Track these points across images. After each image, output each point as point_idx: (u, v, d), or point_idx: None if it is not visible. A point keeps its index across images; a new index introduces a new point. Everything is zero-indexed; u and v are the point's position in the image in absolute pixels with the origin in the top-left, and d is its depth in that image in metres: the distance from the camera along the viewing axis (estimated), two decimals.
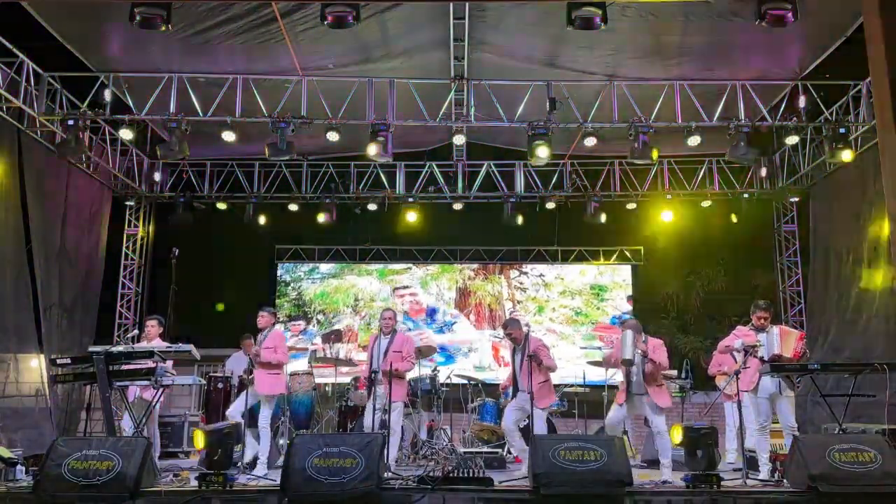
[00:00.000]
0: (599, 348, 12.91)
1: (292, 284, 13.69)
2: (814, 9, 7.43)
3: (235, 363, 8.90)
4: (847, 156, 9.42)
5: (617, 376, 7.44)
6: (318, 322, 13.47)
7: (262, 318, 7.38)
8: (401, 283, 13.72)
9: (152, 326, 7.68)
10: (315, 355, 12.34)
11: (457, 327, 13.40)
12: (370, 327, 13.16)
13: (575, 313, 13.45)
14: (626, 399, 6.79)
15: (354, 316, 13.46)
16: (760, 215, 12.36)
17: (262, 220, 12.21)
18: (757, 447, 6.61)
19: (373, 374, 7.09)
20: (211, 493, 5.67)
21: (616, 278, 13.63)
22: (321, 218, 11.86)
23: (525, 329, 7.29)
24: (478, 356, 13.14)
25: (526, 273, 13.69)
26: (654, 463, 7.23)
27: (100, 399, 6.37)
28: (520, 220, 12.02)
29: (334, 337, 13.27)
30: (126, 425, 7.06)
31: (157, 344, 7.37)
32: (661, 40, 8.70)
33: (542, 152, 9.28)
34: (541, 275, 13.65)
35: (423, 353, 9.31)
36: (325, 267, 13.79)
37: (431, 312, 13.55)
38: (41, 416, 9.00)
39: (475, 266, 13.72)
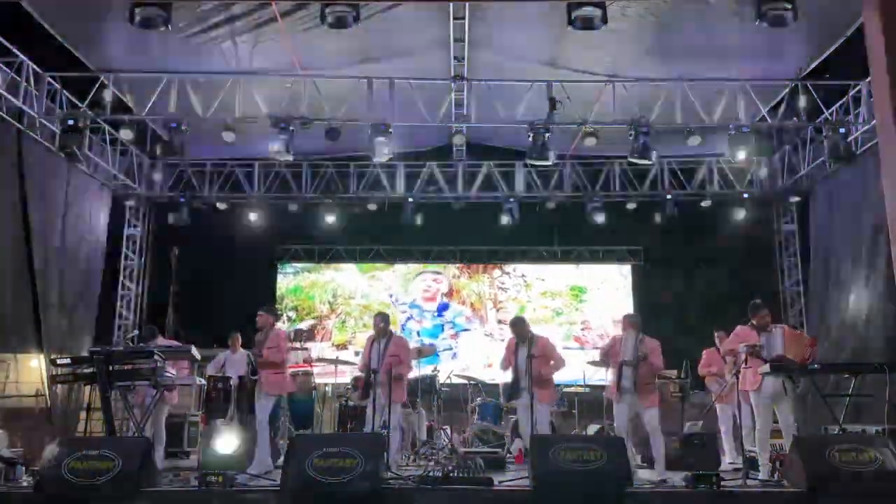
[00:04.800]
0: (582, 348, 12.90)
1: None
2: (814, 9, 7.43)
3: (231, 364, 8.85)
4: (847, 156, 9.42)
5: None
6: (290, 319, 13.31)
7: (261, 317, 7.38)
8: (382, 278, 13.57)
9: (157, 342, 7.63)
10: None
11: (466, 337, 13.21)
12: (345, 325, 13.09)
13: (555, 314, 13.46)
14: (621, 397, 6.82)
15: (330, 313, 13.32)
16: (760, 215, 12.36)
17: (262, 220, 12.20)
18: (757, 447, 6.61)
19: (373, 375, 7.07)
20: (211, 493, 5.67)
21: (596, 279, 13.59)
22: (319, 220, 11.87)
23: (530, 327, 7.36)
24: (465, 359, 13.00)
25: (508, 273, 13.69)
26: (654, 463, 7.22)
27: (100, 399, 6.36)
28: (519, 219, 12.01)
29: (305, 335, 13.11)
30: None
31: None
32: (661, 40, 8.71)
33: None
34: (522, 275, 13.65)
35: (423, 352, 9.31)
36: (299, 262, 13.62)
37: (443, 307, 13.42)
38: (41, 416, 8.99)
39: (459, 264, 13.70)
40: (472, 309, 13.50)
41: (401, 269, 13.66)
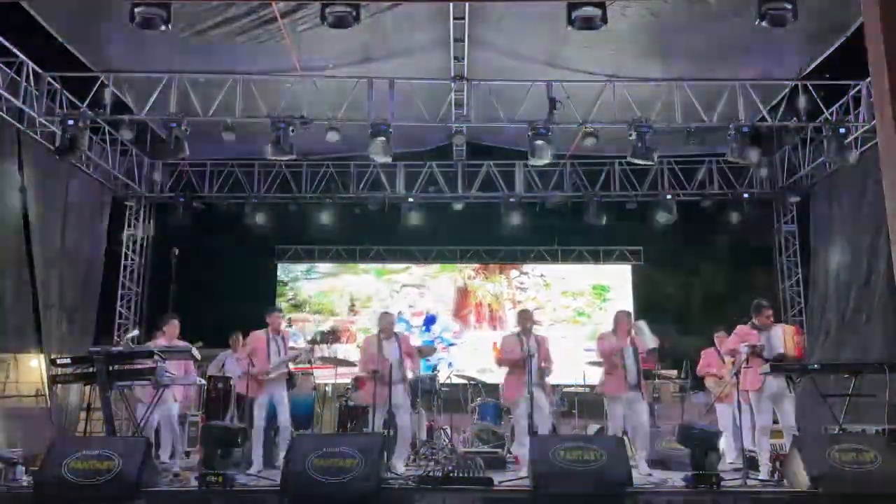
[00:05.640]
0: None
1: (290, 284, 13.64)
2: (814, 9, 7.43)
3: (232, 364, 8.85)
4: (847, 156, 9.42)
5: None
6: (318, 322, 13.42)
7: (278, 318, 7.43)
8: (400, 282, 13.60)
9: (175, 326, 7.65)
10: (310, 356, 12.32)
11: (455, 350, 13.12)
12: (370, 328, 13.12)
13: (577, 314, 13.36)
14: (629, 390, 6.87)
15: (353, 315, 13.38)
16: (760, 215, 12.36)
17: (262, 220, 12.19)
18: (758, 447, 6.62)
19: (375, 374, 7.04)
20: (211, 493, 5.67)
21: (616, 279, 13.55)
22: (320, 220, 11.89)
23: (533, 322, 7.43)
24: (471, 358, 12.93)
25: (527, 273, 13.61)
26: (654, 463, 7.24)
27: (100, 399, 6.36)
28: (520, 220, 12.01)
29: (331, 337, 13.20)
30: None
31: (176, 344, 7.38)
32: (661, 40, 8.70)
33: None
34: (542, 275, 13.57)
35: (423, 352, 9.31)
36: (323, 266, 13.72)
37: (430, 321, 13.37)
38: (41, 416, 8.99)
39: (475, 265, 13.65)
40: (490, 310, 13.42)
41: (418, 271, 13.63)
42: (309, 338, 13.17)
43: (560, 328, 13.13)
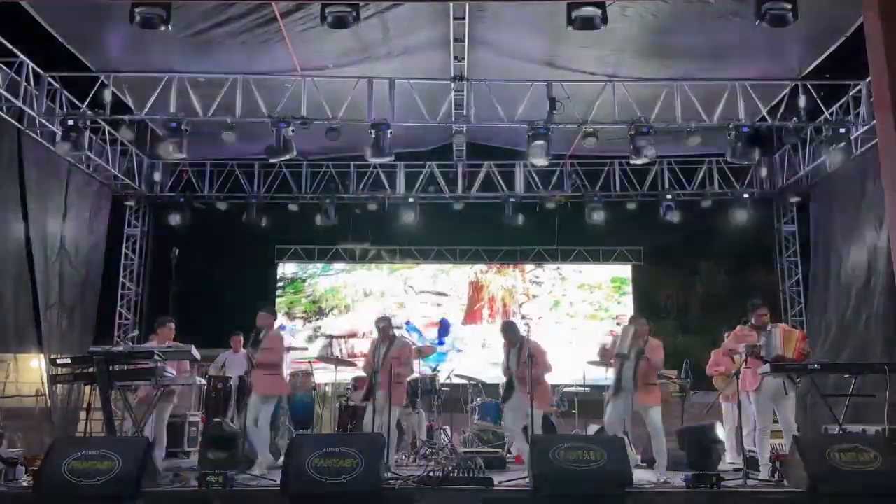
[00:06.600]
0: None
1: (308, 281, 13.65)
2: (814, 9, 7.42)
3: (232, 364, 8.87)
4: (847, 156, 9.42)
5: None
6: (336, 317, 13.47)
7: (260, 317, 7.39)
8: (412, 277, 13.55)
9: (171, 329, 7.66)
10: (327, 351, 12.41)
11: (461, 356, 13.09)
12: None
13: (595, 308, 13.26)
14: (615, 394, 6.83)
15: (367, 311, 13.39)
16: (760, 215, 12.37)
17: (262, 220, 12.20)
18: (757, 447, 6.61)
19: (374, 376, 7.09)
20: (211, 493, 5.67)
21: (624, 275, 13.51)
22: (319, 220, 11.89)
23: (524, 330, 7.34)
24: (480, 355, 12.92)
25: (542, 266, 13.54)
26: (654, 463, 7.22)
27: (100, 399, 6.36)
28: (520, 220, 12.01)
29: (348, 332, 13.20)
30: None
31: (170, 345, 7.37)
32: (661, 40, 8.70)
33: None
34: (557, 268, 13.51)
35: (423, 353, 9.31)
36: (337, 263, 13.73)
37: (443, 331, 13.28)
38: (41, 416, 9.00)
39: (466, 263, 13.65)
40: (503, 304, 13.36)
41: (430, 268, 13.59)
42: (327, 333, 13.21)
43: (577, 323, 13.02)
